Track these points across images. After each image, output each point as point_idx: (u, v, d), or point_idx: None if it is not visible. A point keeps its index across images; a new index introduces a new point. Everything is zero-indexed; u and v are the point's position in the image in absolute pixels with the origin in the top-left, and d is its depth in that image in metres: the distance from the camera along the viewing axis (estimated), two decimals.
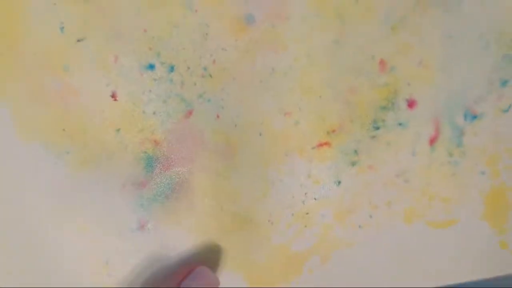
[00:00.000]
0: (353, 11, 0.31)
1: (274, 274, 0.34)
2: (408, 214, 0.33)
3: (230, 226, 0.33)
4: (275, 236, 0.33)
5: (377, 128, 0.32)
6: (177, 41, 0.30)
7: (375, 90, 0.31)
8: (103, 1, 0.30)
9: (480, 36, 0.31)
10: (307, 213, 0.33)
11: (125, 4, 0.30)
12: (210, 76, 0.31)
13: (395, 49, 0.31)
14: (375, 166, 0.32)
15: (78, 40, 0.30)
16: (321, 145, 0.32)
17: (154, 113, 0.31)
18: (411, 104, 0.32)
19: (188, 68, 0.30)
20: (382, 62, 0.31)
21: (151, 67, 0.30)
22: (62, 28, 0.30)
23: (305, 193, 0.33)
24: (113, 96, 0.30)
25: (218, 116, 0.31)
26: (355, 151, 0.32)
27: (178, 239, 0.33)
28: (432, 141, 0.32)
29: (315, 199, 0.33)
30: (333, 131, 0.32)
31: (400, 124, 0.32)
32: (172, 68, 0.30)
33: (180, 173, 0.32)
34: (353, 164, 0.32)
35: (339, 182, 0.33)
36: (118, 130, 0.31)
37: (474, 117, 0.32)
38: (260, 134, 0.32)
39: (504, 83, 0.32)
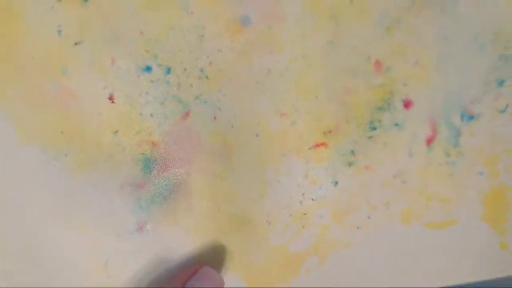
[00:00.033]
0: (347, 12, 0.31)
1: (272, 274, 0.34)
2: (406, 214, 0.34)
3: (228, 227, 0.33)
4: (273, 236, 0.34)
5: (374, 129, 0.32)
6: (174, 43, 0.31)
7: (371, 90, 0.32)
8: (100, 4, 0.30)
9: (475, 36, 0.32)
10: (304, 214, 0.34)
11: (122, 7, 0.30)
12: (207, 77, 0.31)
13: (390, 49, 0.32)
14: (372, 166, 0.33)
15: (76, 43, 0.31)
16: (317, 145, 0.33)
17: (151, 115, 0.31)
18: (407, 104, 0.32)
19: (185, 69, 0.31)
20: (377, 63, 0.32)
21: (148, 69, 0.31)
22: (59, 32, 0.30)
23: (303, 194, 0.33)
24: (111, 98, 0.31)
25: (215, 118, 0.32)
26: (352, 152, 0.33)
27: (177, 240, 0.33)
28: (429, 141, 0.33)
29: (312, 199, 0.33)
30: (330, 131, 0.32)
31: (396, 124, 0.32)
32: (168, 70, 0.31)
33: (177, 174, 0.32)
34: (350, 164, 0.33)
35: (336, 183, 0.33)
36: (116, 132, 0.31)
37: (471, 117, 0.32)
38: (257, 135, 0.32)
39: (500, 83, 0.32)
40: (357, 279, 0.35)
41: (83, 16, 0.30)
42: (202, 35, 0.31)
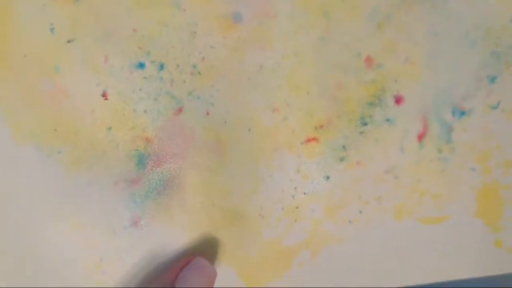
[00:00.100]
0: (339, 8, 0.32)
1: (265, 268, 0.35)
2: (399, 210, 0.35)
3: (221, 221, 0.34)
4: (265, 230, 0.35)
5: (365, 124, 0.33)
6: (166, 40, 0.32)
7: (362, 86, 0.33)
8: (93, 2, 0.31)
9: (466, 33, 0.33)
10: (297, 207, 0.35)
11: (114, 4, 0.31)
12: (199, 73, 0.32)
13: (381, 46, 0.33)
14: (364, 162, 0.34)
15: (68, 41, 0.32)
16: (309, 140, 0.34)
17: (144, 111, 0.32)
18: (398, 100, 0.33)
19: (178, 66, 0.32)
20: (368, 59, 0.33)
21: (141, 65, 0.32)
22: (52, 29, 0.32)
23: (295, 188, 0.34)
24: (104, 95, 0.32)
25: (208, 113, 0.33)
26: (343, 147, 0.34)
27: (171, 235, 0.34)
28: (421, 137, 0.34)
29: (304, 193, 0.34)
30: (321, 126, 0.33)
31: (387, 120, 0.33)
32: (161, 67, 0.32)
33: (171, 169, 0.33)
34: (342, 159, 0.34)
35: (328, 177, 0.34)
36: (109, 128, 0.32)
37: (463, 113, 0.33)
38: (249, 130, 0.33)
39: (492, 79, 0.33)
40: (349, 274, 0.36)
41: (76, 13, 0.31)
42: (195, 32, 0.32)
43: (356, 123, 0.34)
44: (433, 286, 0.37)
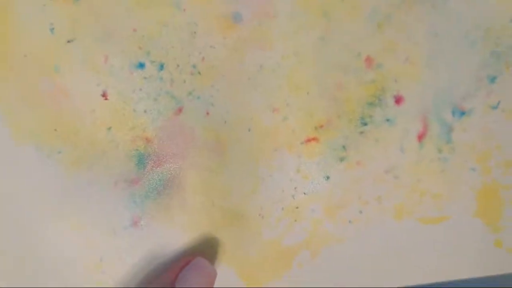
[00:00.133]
0: (339, 8, 0.33)
1: (265, 268, 0.36)
2: (399, 210, 0.35)
3: (221, 221, 0.35)
4: (265, 230, 0.35)
5: (365, 124, 0.34)
6: (166, 40, 0.32)
7: (362, 86, 0.33)
8: (93, 2, 0.32)
9: (466, 33, 0.33)
10: (297, 207, 0.35)
11: (115, 4, 0.32)
12: (199, 73, 0.33)
13: (381, 46, 0.33)
14: (364, 162, 0.34)
15: (68, 41, 0.32)
16: (309, 140, 0.34)
17: (145, 111, 0.33)
18: (398, 100, 0.34)
19: (178, 66, 0.33)
20: (368, 59, 0.33)
21: (141, 66, 0.32)
22: (52, 29, 0.32)
23: (295, 188, 0.35)
24: (104, 95, 0.32)
25: (208, 113, 0.33)
26: (343, 147, 0.34)
27: (171, 235, 0.35)
28: (421, 137, 0.34)
29: (304, 193, 0.35)
30: (321, 126, 0.34)
31: (387, 120, 0.34)
32: (161, 67, 0.32)
33: (171, 169, 0.34)
34: (342, 159, 0.34)
35: (328, 177, 0.35)
36: (109, 128, 0.33)
37: (463, 113, 0.34)
38: (249, 130, 0.34)
39: (492, 79, 0.33)
40: (349, 274, 0.36)
41: (76, 13, 0.32)
42: (195, 32, 0.32)
43: (356, 123, 0.34)
44: (433, 286, 0.37)
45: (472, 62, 0.33)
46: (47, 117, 0.33)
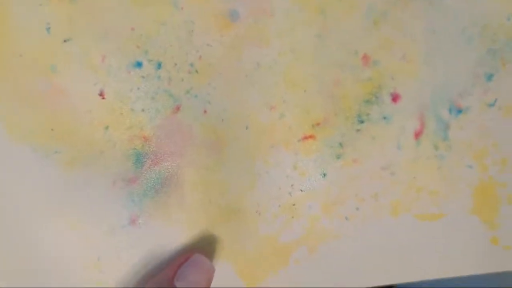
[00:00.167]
0: (335, 6, 0.33)
1: (262, 264, 0.36)
2: (395, 207, 0.36)
3: (219, 218, 0.35)
4: (262, 226, 0.36)
5: (362, 122, 0.34)
6: (164, 39, 0.33)
7: (359, 84, 0.34)
8: (90, 1, 0.32)
9: (463, 29, 0.33)
10: (293, 204, 0.36)
11: (112, 3, 0.32)
12: (197, 72, 0.33)
13: (377, 43, 0.34)
14: (360, 159, 0.35)
15: (65, 41, 0.32)
16: (306, 138, 0.34)
17: (142, 110, 0.33)
18: (395, 98, 0.34)
19: (175, 64, 0.33)
20: (365, 57, 0.34)
21: (139, 64, 0.33)
22: (48, 29, 0.32)
23: (292, 185, 0.35)
24: (101, 94, 0.33)
25: (205, 111, 0.34)
26: (340, 144, 0.35)
27: (169, 233, 0.35)
28: (417, 134, 0.35)
29: (301, 190, 0.35)
30: (318, 124, 0.34)
31: (384, 117, 0.34)
32: (159, 65, 0.33)
33: (169, 167, 0.34)
34: (338, 157, 0.35)
35: (325, 175, 0.35)
36: (107, 128, 0.33)
37: (459, 111, 0.34)
38: (247, 128, 0.34)
39: (489, 77, 0.34)
40: (346, 270, 0.37)
41: (72, 13, 0.32)
42: (192, 30, 0.33)
43: (353, 121, 0.34)
44: (434, 286, 0.37)
45: (468, 59, 0.34)
46: (43, 117, 0.33)
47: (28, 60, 0.32)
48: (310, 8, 0.33)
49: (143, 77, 0.33)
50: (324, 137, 0.35)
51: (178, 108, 0.34)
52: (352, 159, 0.35)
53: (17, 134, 0.33)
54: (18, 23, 0.32)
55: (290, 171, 0.35)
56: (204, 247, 0.36)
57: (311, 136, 0.35)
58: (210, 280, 0.33)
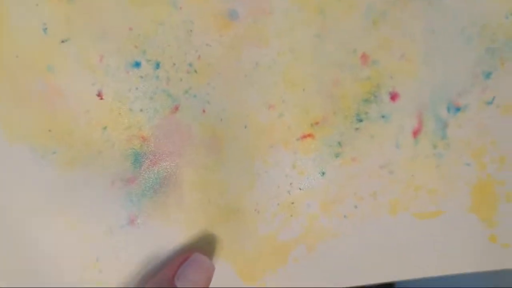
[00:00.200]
0: (334, 5, 0.34)
1: (261, 263, 0.37)
2: (394, 205, 0.36)
3: (218, 217, 0.36)
4: (261, 225, 0.36)
5: (360, 121, 0.35)
6: (163, 39, 0.33)
7: (358, 83, 0.34)
8: (88, 1, 0.32)
9: (462, 29, 0.34)
10: (292, 203, 0.36)
11: (110, 3, 0.32)
12: (196, 71, 0.34)
13: (377, 43, 0.34)
14: (359, 158, 0.35)
15: (62, 41, 0.32)
16: (305, 137, 0.35)
17: (141, 110, 0.34)
18: (393, 97, 0.35)
19: (174, 64, 0.33)
20: (364, 56, 0.34)
21: (137, 64, 0.33)
22: (45, 29, 0.32)
23: (290, 183, 0.36)
24: (99, 95, 0.33)
25: (204, 111, 0.34)
26: (339, 143, 0.35)
27: (168, 233, 0.36)
28: (416, 133, 0.35)
29: (300, 189, 0.36)
30: (317, 123, 0.35)
31: (383, 116, 0.35)
32: (158, 65, 0.33)
33: (168, 167, 0.35)
34: (337, 155, 0.35)
35: (324, 173, 0.36)
36: (105, 128, 0.34)
37: (458, 109, 0.35)
38: (245, 127, 0.35)
39: (487, 75, 0.35)
40: (345, 269, 0.37)
41: (70, 13, 0.32)
42: (191, 30, 0.33)
43: (352, 120, 0.35)
44: (434, 286, 0.38)
45: (467, 58, 0.34)
46: (40, 117, 0.33)
47: (24, 61, 0.33)
48: (309, 8, 0.33)
49: (141, 77, 0.33)
50: (323, 136, 0.35)
51: (176, 108, 0.34)
52: (351, 158, 0.36)
53: (15, 135, 0.33)
54: (14, 24, 0.32)
55: (289, 170, 0.36)
56: (203, 247, 0.36)
57: (310, 135, 0.35)
58: (210, 279, 0.34)
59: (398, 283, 0.38)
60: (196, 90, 0.34)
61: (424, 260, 0.37)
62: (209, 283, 0.34)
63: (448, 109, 0.35)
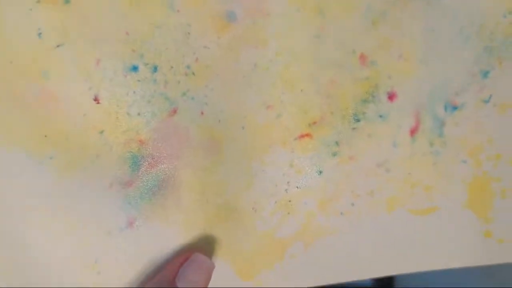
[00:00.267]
0: (334, 6, 0.34)
1: (258, 260, 0.38)
2: (390, 202, 0.38)
3: (216, 217, 0.37)
4: (259, 223, 0.38)
5: (358, 121, 0.36)
6: (160, 42, 0.34)
7: (356, 83, 0.35)
8: (83, 5, 0.33)
9: (461, 29, 0.35)
10: (289, 201, 0.37)
11: (106, 7, 0.33)
12: (194, 74, 0.34)
13: (376, 43, 0.35)
14: (356, 156, 0.37)
15: (58, 46, 0.33)
16: (302, 136, 0.36)
17: (138, 113, 0.34)
18: (391, 96, 0.36)
19: (172, 67, 0.34)
20: (362, 56, 0.35)
21: (135, 68, 0.34)
22: (39, 34, 0.33)
23: (288, 182, 0.37)
24: (96, 99, 0.34)
25: (202, 113, 0.35)
26: (336, 143, 0.36)
27: (167, 234, 0.37)
28: (413, 132, 0.36)
29: (297, 187, 0.37)
30: (314, 123, 0.36)
31: (380, 116, 0.36)
32: (155, 69, 0.34)
33: (166, 170, 0.36)
34: (334, 154, 0.36)
35: (321, 172, 0.37)
36: (102, 132, 0.34)
37: (455, 108, 0.36)
38: (243, 128, 0.36)
39: (485, 74, 0.36)
40: (342, 265, 0.39)
41: (65, 18, 0.33)
42: (189, 33, 0.34)
43: (350, 120, 0.36)
44: (433, 286, 0.39)
45: (466, 57, 0.36)
46: (36, 123, 0.34)
47: (19, 67, 0.33)
48: (308, 9, 0.34)
49: (139, 80, 0.34)
50: (320, 136, 0.36)
51: (174, 111, 0.35)
52: (348, 157, 0.37)
53: (10, 141, 0.34)
54: (8, 30, 0.32)
55: (287, 169, 0.37)
56: (202, 246, 0.37)
57: (307, 135, 0.36)
58: (210, 277, 0.35)
59: (398, 283, 0.40)
60: (194, 93, 0.35)
61: (420, 254, 0.39)
62: (209, 282, 0.35)
63: (445, 108, 0.36)
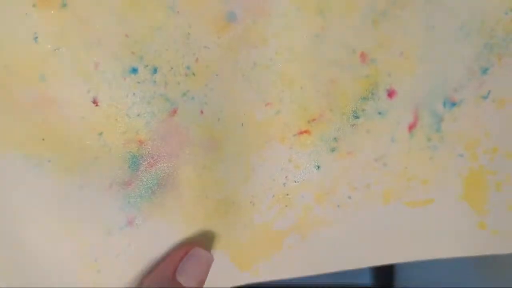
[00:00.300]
0: (334, 5, 0.35)
1: (256, 250, 0.39)
2: (387, 195, 0.39)
3: (215, 212, 0.38)
4: (257, 216, 0.39)
5: (357, 117, 0.37)
6: (160, 43, 0.34)
7: (356, 81, 0.36)
8: (81, 8, 0.32)
9: (461, 26, 0.35)
10: (287, 194, 0.39)
11: (105, 10, 0.33)
12: (194, 74, 0.34)
13: (376, 42, 0.35)
14: (354, 152, 0.38)
15: (55, 49, 0.32)
16: (301, 133, 0.37)
17: (138, 115, 0.35)
18: (390, 94, 0.36)
19: (172, 68, 0.34)
20: (362, 55, 0.35)
21: (134, 70, 0.34)
22: (36, 38, 0.32)
23: (286, 177, 0.38)
24: (95, 102, 0.34)
25: (202, 112, 0.35)
26: (335, 139, 0.37)
27: (167, 231, 0.38)
28: (411, 128, 0.37)
29: (295, 182, 0.38)
30: (313, 120, 0.36)
31: (379, 113, 0.36)
32: (155, 70, 0.34)
33: (165, 168, 0.36)
34: (333, 150, 0.37)
35: (319, 167, 0.38)
36: (101, 134, 0.35)
37: (453, 104, 0.37)
38: (242, 125, 0.36)
39: (484, 71, 0.36)
40: (338, 255, 0.41)
41: (62, 21, 0.32)
42: (189, 33, 0.34)
43: (349, 117, 0.37)
44: (433, 286, 0.41)
45: (466, 54, 0.36)
46: (33, 127, 0.34)
47: (13, 71, 0.33)
48: (308, 9, 0.34)
49: (138, 82, 0.34)
50: (319, 132, 0.37)
51: (174, 111, 0.35)
52: (346, 152, 0.38)
53: (8, 144, 0.34)
54: (3, 34, 0.32)
55: (285, 164, 0.38)
56: (201, 240, 0.38)
57: (306, 131, 0.37)
58: (208, 270, 0.36)
59: (398, 283, 0.41)
60: (194, 93, 0.35)
61: (416, 244, 0.40)
62: (207, 274, 0.36)
63: (444, 104, 0.37)
